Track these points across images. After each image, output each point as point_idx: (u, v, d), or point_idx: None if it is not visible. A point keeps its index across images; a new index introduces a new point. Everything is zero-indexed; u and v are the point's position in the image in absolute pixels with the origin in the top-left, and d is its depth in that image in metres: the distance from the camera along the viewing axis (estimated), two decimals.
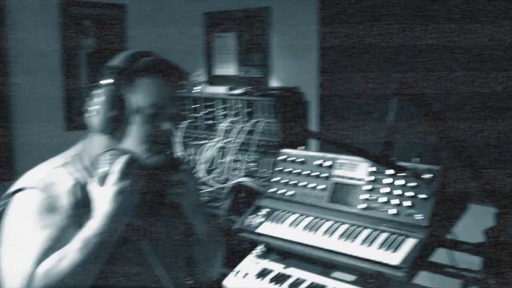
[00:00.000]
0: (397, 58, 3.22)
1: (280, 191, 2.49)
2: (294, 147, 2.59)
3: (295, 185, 2.47)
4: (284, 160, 2.56)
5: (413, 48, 3.13)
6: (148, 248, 1.57)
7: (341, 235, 2.18)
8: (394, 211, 2.15)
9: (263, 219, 2.39)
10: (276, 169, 2.54)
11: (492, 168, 2.46)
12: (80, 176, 1.54)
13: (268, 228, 2.34)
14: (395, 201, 2.16)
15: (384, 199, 2.19)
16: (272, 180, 2.55)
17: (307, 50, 3.67)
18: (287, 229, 2.30)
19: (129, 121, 1.49)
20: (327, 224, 2.27)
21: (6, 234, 1.46)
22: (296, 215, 2.37)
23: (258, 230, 2.35)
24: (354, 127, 3.41)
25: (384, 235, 2.12)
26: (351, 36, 3.42)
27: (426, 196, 2.09)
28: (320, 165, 2.44)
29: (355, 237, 2.16)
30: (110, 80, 1.46)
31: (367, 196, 2.25)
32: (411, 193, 2.13)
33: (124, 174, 1.45)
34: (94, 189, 1.48)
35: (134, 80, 1.47)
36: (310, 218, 2.34)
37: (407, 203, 2.13)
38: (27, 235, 1.41)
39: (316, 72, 3.62)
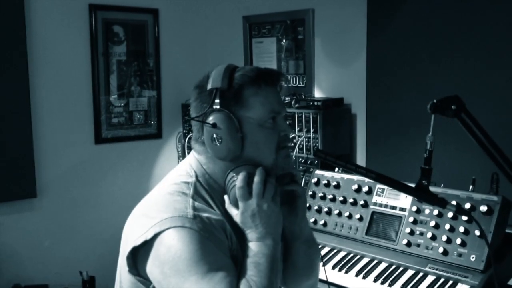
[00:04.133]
0: (460, 66, 2.92)
1: (310, 219, 2.26)
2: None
3: (328, 212, 2.24)
4: (317, 182, 2.32)
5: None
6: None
7: (378, 276, 1.95)
8: (442, 249, 1.89)
9: None
10: (308, 192, 2.31)
11: None
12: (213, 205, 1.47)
13: None
14: (444, 237, 1.90)
15: (431, 234, 1.93)
16: None
17: (355, 57, 3.42)
18: None
19: (254, 138, 1.45)
20: (363, 261, 2.05)
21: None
22: (327, 249, 2.16)
23: None
24: (407, 145, 3.12)
25: (429, 279, 1.88)
26: (405, 41, 3.15)
27: (481, 233, 1.81)
28: (358, 190, 2.19)
29: (395, 279, 1.91)
30: (219, 106, 1.43)
31: (410, 229, 1.99)
32: (463, 228, 1.86)
33: (266, 186, 1.41)
34: (234, 213, 1.44)
35: (242, 95, 1.44)
36: (343, 253, 2.12)
37: (458, 240, 1.86)
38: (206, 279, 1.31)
39: (364, 82, 3.36)
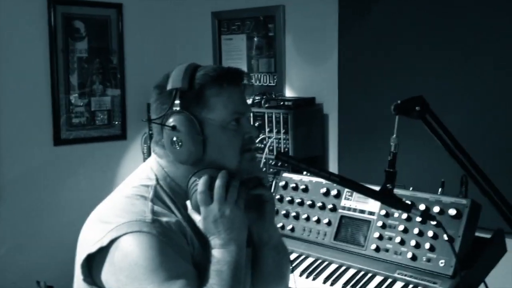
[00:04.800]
0: (433, 66, 2.96)
1: (278, 224, 2.27)
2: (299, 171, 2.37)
3: (296, 217, 2.25)
4: (285, 186, 2.34)
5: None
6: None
7: (347, 283, 1.97)
8: (410, 254, 1.92)
9: None
10: (276, 196, 2.32)
11: None
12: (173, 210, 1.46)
13: None
14: (412, 242, 1.93)
15: (399, 238, 1.96)
16: None
17: (327, 55, 3.45)
18: None
19: (216, 140, 1.44)
20: (331, 267, 2.07)
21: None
22: (295, 255, 2.17)
23: None
24: (380, 146, 3.16)
25: (398, 285, 1.90)
26: (377, 39, 3.19)
27: (450, 237, 1.84)
28: (326, 193, 2.22)
29: (363, 285, 1.94)
30: (179, 107, 1.42)
31: (379, 234, 2.01)
32: (431, 232, 1.89)
33: (228, 190, 1.40)
34: (197, 218, 1.43)
35: (203, 95, 1.43)
36: (310, 260, 2.13)
37: (427, 244, 1.89)
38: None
39: (336, 81, 3.39)
